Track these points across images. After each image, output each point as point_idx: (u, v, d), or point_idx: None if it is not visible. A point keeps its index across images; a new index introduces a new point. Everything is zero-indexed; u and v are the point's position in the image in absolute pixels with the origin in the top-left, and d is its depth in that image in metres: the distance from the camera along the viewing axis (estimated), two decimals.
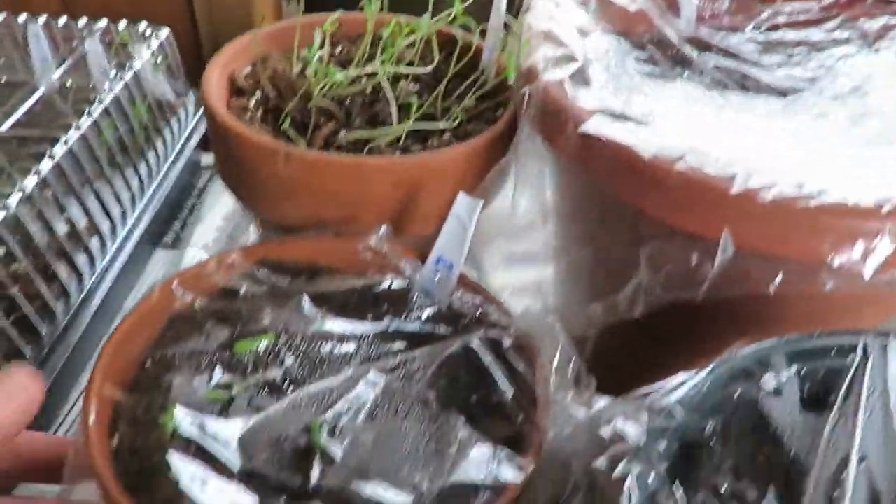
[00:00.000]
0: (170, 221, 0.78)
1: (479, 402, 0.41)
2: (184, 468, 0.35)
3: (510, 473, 0.37)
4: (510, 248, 0.50)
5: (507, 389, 0.40)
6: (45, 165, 0.57)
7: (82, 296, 0.63)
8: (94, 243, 0.64)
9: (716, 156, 0.38)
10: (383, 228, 0.46)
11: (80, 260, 0.62)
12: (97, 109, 0.64)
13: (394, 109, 0.50)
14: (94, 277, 0.65)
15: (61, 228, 0.59)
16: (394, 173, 0.46)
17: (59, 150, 0.59)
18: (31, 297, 0.56)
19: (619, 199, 0.41)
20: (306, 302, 0.43)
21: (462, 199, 0.44)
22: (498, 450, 0.38)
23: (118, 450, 0.37)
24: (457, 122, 0.50)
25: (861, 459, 0.31)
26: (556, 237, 0.50)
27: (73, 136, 0.60)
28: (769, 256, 0.38)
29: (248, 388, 0.39)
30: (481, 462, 0.37)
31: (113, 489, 0.34)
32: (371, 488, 0.35)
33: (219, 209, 0.79)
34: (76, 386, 0.62)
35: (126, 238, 0.69)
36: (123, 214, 0.69)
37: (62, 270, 0.60)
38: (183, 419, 0.37)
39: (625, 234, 0.43)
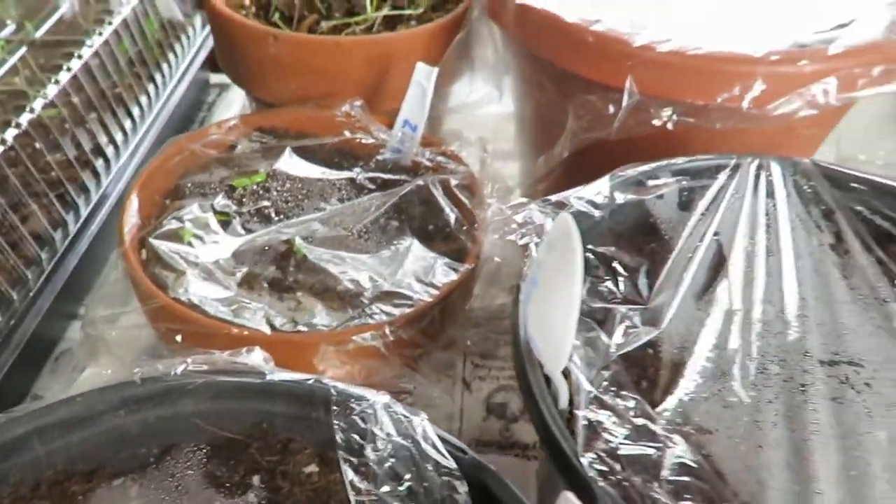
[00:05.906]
0: (180, 133, 0.87)
1: (430, 228, 0.50)
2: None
3: (448, 275, 0.46)
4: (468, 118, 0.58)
5: (452, 215, 0.49)
6: (64, 77, 0.65)
7: (100, 192, 0.71)
8: (110, 152, 0.73)
9: (626, 19, 0.47)
10: (357, 100, 0.55)
11: (99, 165, 0.71)
12: (117, 19, 0.72)
13: (368, 1, 0.58)
14: (109, 179, 0.73)
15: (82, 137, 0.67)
16: (367, 49, 0.55)
17: (83, 56, 0.67)
18: (44, 209, 0.61)
19: (550, 62, 0.50)
20: (291, 152, 0.52)
21: (421, 67, 0.53)
22: (438, 257, 0.47)
23: (147, 259, 0.46)
24: (421, 10, 0.59)
25: (715, 234, 0.40)
26: (513, 101, 0.59)
27: (96, 41, 0.69)
28: (666, 99, 0.46)
29: (243, 215, 0.48)
30: (425, 265, 0.47)
31: (146, 285, 0.43)
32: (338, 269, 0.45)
33: None
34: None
35: (136, 148, 0.77)
36: (134, 128, 0.77)
37: (85, 175, 0.68)
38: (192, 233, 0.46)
39: (555, 92, 0.51)
